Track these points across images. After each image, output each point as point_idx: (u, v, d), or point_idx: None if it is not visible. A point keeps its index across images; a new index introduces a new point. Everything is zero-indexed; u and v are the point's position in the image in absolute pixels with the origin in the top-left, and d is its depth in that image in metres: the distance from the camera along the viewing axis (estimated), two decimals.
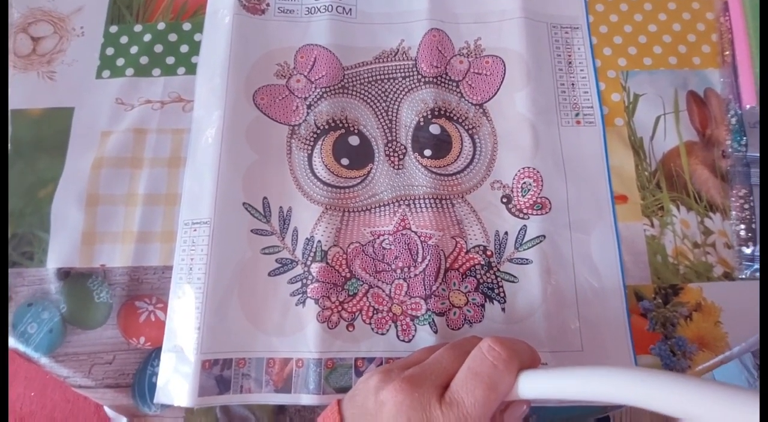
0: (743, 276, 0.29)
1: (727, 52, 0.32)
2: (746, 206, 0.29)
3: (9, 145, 0.31)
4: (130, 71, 0.32)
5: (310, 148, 0.31)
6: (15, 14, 0.34)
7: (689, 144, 0.31)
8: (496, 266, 0.28)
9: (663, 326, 0.28)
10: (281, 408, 0.27)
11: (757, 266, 0.28)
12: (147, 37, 0.33)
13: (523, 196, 0.29)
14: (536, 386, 0.20)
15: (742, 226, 0.29)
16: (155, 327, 0.28)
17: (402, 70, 0.32)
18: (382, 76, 0.32)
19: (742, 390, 0.15)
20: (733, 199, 0.30)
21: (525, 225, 0.29)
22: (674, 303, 0.28)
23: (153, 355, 0.27)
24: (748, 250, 0.29)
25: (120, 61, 0.33)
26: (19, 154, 0.31)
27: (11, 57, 0.33)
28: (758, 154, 0.30)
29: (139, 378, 0.27)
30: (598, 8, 0.33)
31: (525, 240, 0.29)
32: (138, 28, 0.33)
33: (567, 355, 0.27)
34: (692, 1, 0.33)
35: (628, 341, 0.27)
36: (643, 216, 0.30)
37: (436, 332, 0.27)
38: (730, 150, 0.31)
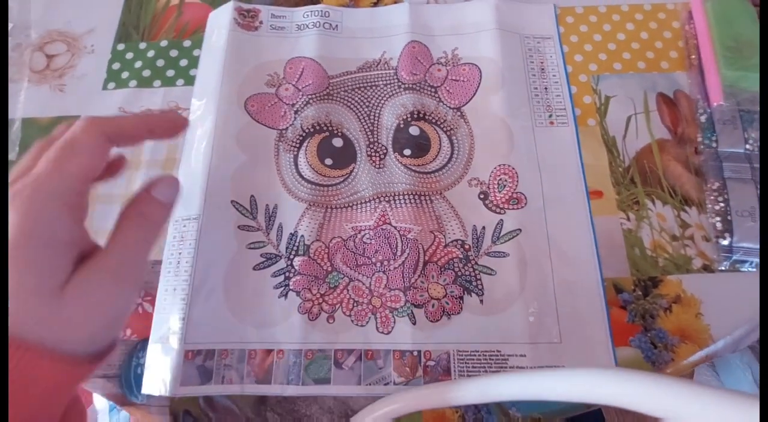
0: (723, 268, 0.29)
1: (693, 56, 0.34)
2: (720, 199, 0.30)
3: (17, 149, 0.33)
4: (133, 83, 0.35)
5: (296, 149, 0.32)
6: (33, 35, 0.37)
7: (661, 141, 0.32)
8: (473, 259, 0.29)
9: (642, 318, 0.28)
10: (262, 398, 0.27)
11: (735, 257, 0.29)
12: (150, 53, 0.36)
13: (500, 192, 0.30)
14: (517, 386, 0.20)
15: (718, 219, 0.30)
16: (142, 318, 0.29)
17: (383, 78, 0.34)
18: (365, 84, 0.34)
19: (724, 390, 0.15)
20: (708, 192, 0.30)
21: (501, 220, 0.30)
22: (654, 295, 0.28)
23: (138, 347, 0.28)
24: (725, 242, 0.29)
25: (125, 74, 0.35)
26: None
27: (26, 72, 0.36)
28: (729, 149, 0.31)
29: (124, 370, 0.28)
30: (569, 20, 0.36)
31: (502, 234, 0.29)
32: (143, 45, 0.36)
33: (546, 347, 0.27)
34: (658, 12, 0.35)
35: (607, 333, 0.27)
36: (618, 211, 0.30)
37: (414, 324, 0.27)
38: (702, 146, 0.31)
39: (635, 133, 0.32)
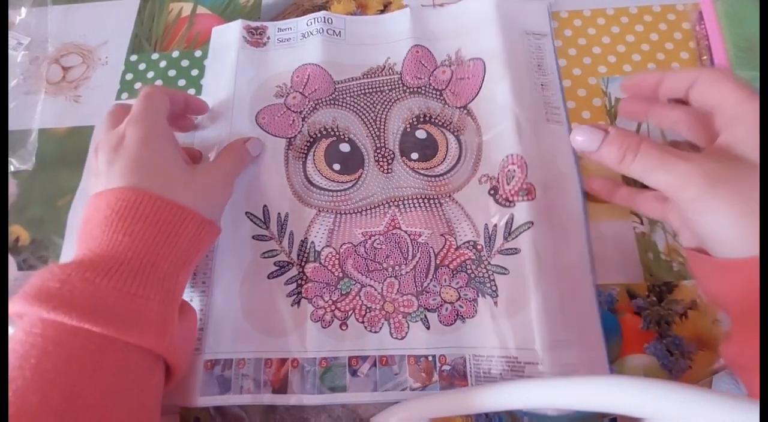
0: None
1: (705, 57, 0.33)
2: None
3: (34, 159, 0.34)
4: None
5: (304, 155, 0.32)
6: (50, 48, 0.38)
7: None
8: (486, 260, 0.29)
9: (657, 324, 0.27)
10: (272, 406, 0.27)
11: None
12: (162, 64, 0.37)
13: (509, 184, 0.29)
14: (504, 397, 0.20)
15: None
16: None
17: (388, 84, 0.34)
18: (370, 90, 0.34)
19: (703, 391, 0.15)
20: None
21: (512, 214, 0.29)
22: (668, 301, 0.28)
23: None
24: None
25: (137, 85, 0.36)
26: (42, 168, 0.34)
27: (43, 84, 0.37)
28: None
29: None
30: (576, 23, 0.35)
31: (513, 229, 0.28)
32: (155, 56, 0.37)
33: (562, 346, 0.26)
34: (668, 13, 0.35)
35: (600, 336, 0.27)
36: (631, 214, 0.30)
37: (428, 328, 0.27)
38: None
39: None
